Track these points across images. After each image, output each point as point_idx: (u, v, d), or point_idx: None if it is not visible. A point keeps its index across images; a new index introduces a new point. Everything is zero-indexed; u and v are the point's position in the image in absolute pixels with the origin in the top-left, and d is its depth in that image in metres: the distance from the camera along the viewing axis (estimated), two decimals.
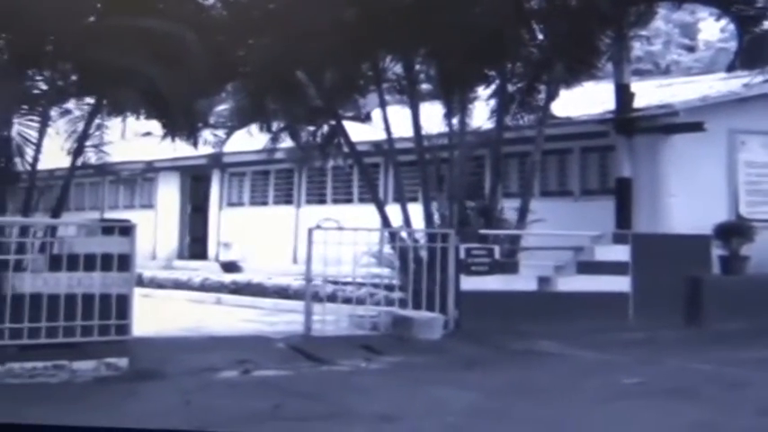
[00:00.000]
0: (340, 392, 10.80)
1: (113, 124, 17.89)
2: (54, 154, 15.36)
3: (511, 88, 18.13)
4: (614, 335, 14.96)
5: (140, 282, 19.43)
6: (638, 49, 26.91)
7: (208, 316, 17.80)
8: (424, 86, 18.80)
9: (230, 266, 26.05)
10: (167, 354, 12.30)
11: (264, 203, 27.42)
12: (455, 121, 17.67)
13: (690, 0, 20.07)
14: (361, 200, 23.42)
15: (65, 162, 15.36)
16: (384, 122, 17.85)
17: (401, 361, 12.89)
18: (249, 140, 20.66)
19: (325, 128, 19.47)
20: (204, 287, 22.62)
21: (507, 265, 16.14)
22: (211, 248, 28.37)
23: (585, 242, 16.84)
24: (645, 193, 18.59)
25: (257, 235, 26.11)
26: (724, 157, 19.07)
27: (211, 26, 15.52)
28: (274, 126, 19.76)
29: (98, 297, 12.29)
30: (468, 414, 9.65)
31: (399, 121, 18.02)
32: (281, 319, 16.97)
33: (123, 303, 12.52)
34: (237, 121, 19.53)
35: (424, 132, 17.68)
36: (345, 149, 19.38)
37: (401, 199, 17.98)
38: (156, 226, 28.86)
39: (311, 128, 19.66)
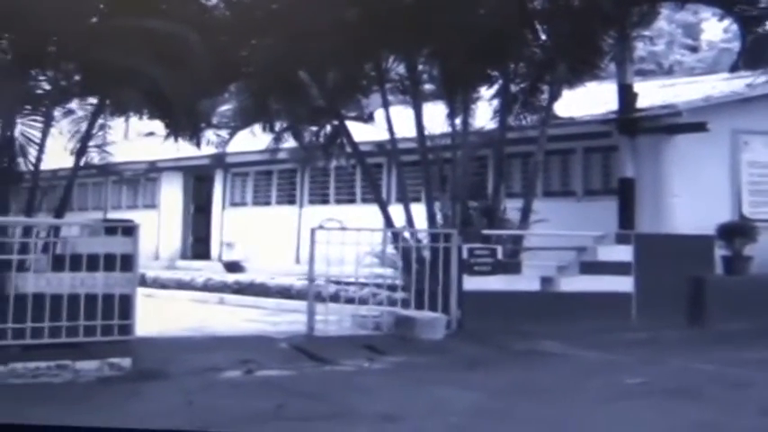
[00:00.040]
0: (343, 392, 10.80)
1: (116, 124, 17.88)
2: (57, 154, 15.37)
3: (514, 88, 18.13)
4: (617, 335, 14.95)
5: (143, 282, 19.46)
6: (641, 49, 26.93)
7: (211, 316, 17.81)
8: (427, 86, 18.79)
9: (233, 266, 26.07)
10: (170, 354, 12.31)
11: (267, 203, 27.42)
12: (458, 121, 17.66)
13: (693, 0, 20.05)
14: (364, 200, 23.41)
15: (68, 162, 15.38)
16: (387, 122, 17.86)
17: (404, 361, 12.89)
18: (252, 140, 20.66)
19: (328, 128, 19.47)
20: (207, 287, 22.62)
21: (510, 266, 16.14)
22: (214, 248, 28.39)
23: (588, 242, 16.83)
24: (648, 194, 18.59)
25: (260, 235, 26.14)
26: (727, 158, 19.07)
27: (214, 26, 15.54)
28: (277, 126, 19.75)
29: (101, 297, 12.32)
30: (471, 414, 9.65)
31: (402, 121, 18.01)
32: (284, 319, 16.98)
33: (126, 303, 12.55)
34: (240, 121, 19.52)
35: (426, 132, 17.69)
36: (348, 149, 19.37)
37: (404, 199, 17.97)
38: (159, 226, 28.90)
39: (314, 128, 19.65)
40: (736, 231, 17.78)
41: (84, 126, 15.35)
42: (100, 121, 15.64)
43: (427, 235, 16.52)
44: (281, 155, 21.42)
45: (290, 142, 20.45)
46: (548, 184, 20.59)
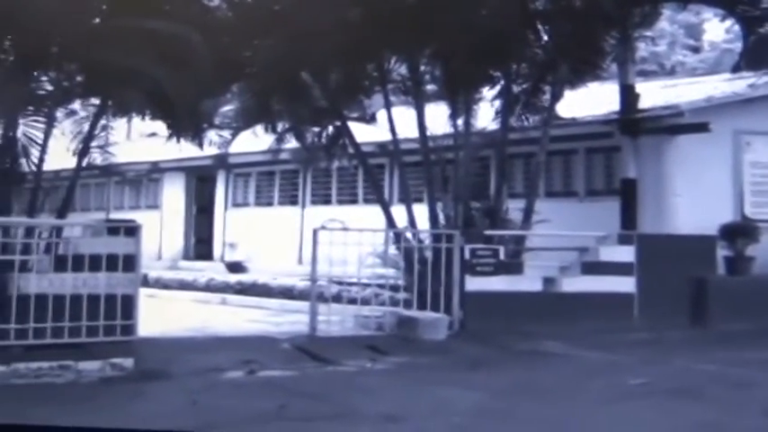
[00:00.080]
0: (345, 393, 10.81)
1: (119, 125, 17.90)
2: (59, 155, 15.38)
3: (516, 89, 18.14)
4: (619, 335, 14.95)
5: (146, 282, 19.46)
6: (642, 49, 26.94)
7: (213, 316, 17.82)
8: (429, 87, 18.79)
9: (235, 267, 26.08)
10: (173, 354, 12.32)
11: (270, 204, 27.43)
12: (460, 121, 17.67)
13: (695, 1, 20.05)
14: (366, 200, 23.41)
15: (70, 163, 15.39)
16: (389, 123, 17.88)
17: (406, 361, 12.90)
18: (254, 141, 20.68)
19: (331, 128, 19.49)
20: (209, 287, 22.65)
21: (512, 266, 16.15)
22: (217, 249, 28.41)
23: (590, 243, 16.83)
24: (650, 194, 18.59)
25: (262, 235, 26.14)
26: (729, 158, 19.07)
27: (217, 27, 15.54)
28: (279, 127, 19.78)
29: (103, 297, 12.34)
30: (474, 414, 9.66)
31: (404, 121, 18.02)
32: (287, 319, 16.99)
33: (129, 304, 12.56)
34: (243, 121, 19.54)
35: (429, 133, 17.70)
36: (350, 150, 19.40)
37: (406, 200, 18.00)
38: (162, 226, 28.89)
39: (316, 128, 19.68)
40: (739, 232, 17.78)
41: (86, 127, 15.37)
42: (102, 121, 15.66)
43: (429, 235, 16.51)
44: (284, 155, 21.45)
45: (292, 143, 20.47)
46: (550, 185, 20.59)
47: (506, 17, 15.84)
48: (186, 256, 29.11)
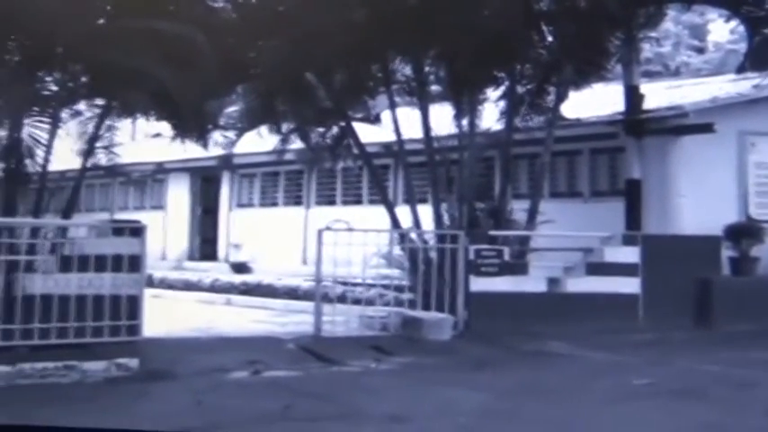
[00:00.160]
0: (350, 393, 10.81)
1: (124, 126, 17.90)
2: (64, 155, 15.40)
3: (520, 90, 18.12)
4: (624, 336, 14.95)
5: (151, 282, 19.44)
6: (647, 50, 26.84)
7: (218, 317, 17.83)
8: (434, 88, 18.79)
9: (240, 267, 26.09)
10: (178, 354, 12.34)
11: (274, 204, 27.46)
12: (465, 122, 17.67)
13: (700, 1, 20.03)
14: (371, 201, 23.45)
15: (75, 163, 15.41)
16: (394, 124, 17.88)
17: (411, 361, 12.90)
18: (259, 142, 20.69)
19: (335, 129, 19.49)
20: (214, 288, 22.66)
21: (517, 267, 16.15)
22: (221, 249, 28.44)
23: (595, 243, 16.82)
24: (654, 195, 18.59)
25: (267, 236, 26.16)
26: (734, 159, 19.05)
27: (221, 28, 15.52)
28: (284, 127, 19.78)
29: (108, 298, 12.35)
30: (479, 415, 9.67)
31: (409, 122, 18.03)
32: (291, 319, 16.99)
33: (134, 304, 12.58)
34: (247, 122, 19.55)
35: (433, 134, 17.69)
36: (355, 151, 19.40)
37: (411, 200, 17.99)
38: (167, 227, 28.91)
39: (321, 129, 19.68)
40: (743, 232, 17.78)
41: (91, 127, 15.39)
42: (107, 122, 15.66)
43: (434, 236, 16.51)
44: (288, 156, 21.42)
45: (296, 143, 20.46)
46: (554, 186, 20.62)
47: (511, 18, 15.83)
48: (191, 257, 29.14)
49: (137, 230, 12.95)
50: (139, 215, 24.28)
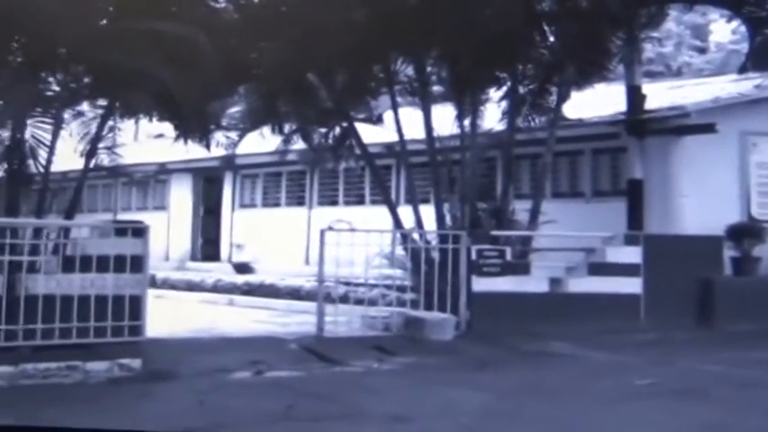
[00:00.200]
0: (352, 393, 10.82)
1: (126, 126, 17.91)
2: (67, 156, 15.42)
3: (522, 90, 18.14)
4: (626, 336, 14.96)
5: (153, 283, 19.48)
6: (649, 50, 26.85)
7: (220, 317, 17.85)
8: (436, 88, 18.82)
9: (243, 268, 26.11)
10: (180, 355, 12.36)
11: (277, 205, 27.47)
12: (467, 122, 17.67)
13: (701, 2, 20.04)
14: (373, 201, 23.46)
15: (78, 164, 15.42)
16: (396, 124, 17.89)
17: (413, 362, 12.91)
18: (261, 142, 20.71)
19: (337, 129, 19.51)
20: (217, 288, 22.69)
21: (519, 267, 16.16)
22: (224, 250, 28.46)
23: (597, 243, 16.82)
24: (656, 195, 18.60)
25: (269, 236, 26.18)
26: (735, 159, 19.05)
27: (223, 28, 15.54)
28: (286, 128, 19.81)
29: (111, 298, 12.37)
30: (481, 415, 9.67)
31: (411, 122, 18.04)
32: (294, 320, 17.01)
33: (136, 304, 12.59)
34: (250, 122, 19.57)
35: (435, 134, 17.70)
36: (357, 151, 19.42)
37: (413, 200, 18.00)
38: (169, 227, 28.95)
39: (323, 129, 19.70)
40: (745, 232, 17.78)
41: (93, 128, 15.39)
42: (110, 122, 15.68)
43: (436, 236, 16.54)
44: (291, 156, 21.45)
45: (299, 144, 20.49)
46: (556, 186, 20.62)
47: (513, 18, 15.85)
48: (194, 257, 29.16)
49: (139, 231, 12.96)
50: (142, 216, 24.23)
